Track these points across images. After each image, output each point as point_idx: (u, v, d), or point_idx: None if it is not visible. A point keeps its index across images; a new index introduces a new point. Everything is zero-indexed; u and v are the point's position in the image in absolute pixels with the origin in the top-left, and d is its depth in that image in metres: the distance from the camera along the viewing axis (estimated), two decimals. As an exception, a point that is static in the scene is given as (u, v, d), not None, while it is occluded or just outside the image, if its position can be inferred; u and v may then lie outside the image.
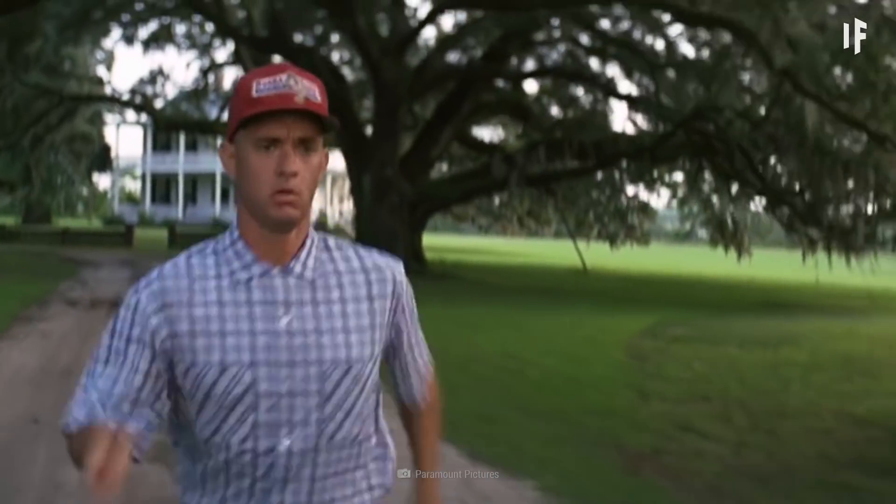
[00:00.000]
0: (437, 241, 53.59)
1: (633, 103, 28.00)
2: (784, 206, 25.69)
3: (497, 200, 43.74)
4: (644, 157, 25.82)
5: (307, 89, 1.93)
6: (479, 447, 7.34)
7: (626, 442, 7.99)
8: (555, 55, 31.49)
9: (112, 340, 2.00)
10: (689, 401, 10.10)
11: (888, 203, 23.56)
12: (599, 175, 35.32)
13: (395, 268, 2.16)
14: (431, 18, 28.04)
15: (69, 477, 5.96)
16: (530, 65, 30.90)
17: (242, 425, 1.97)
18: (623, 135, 28.65)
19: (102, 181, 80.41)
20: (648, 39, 27.68)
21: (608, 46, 26.20)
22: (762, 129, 21.67)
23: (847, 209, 24.39)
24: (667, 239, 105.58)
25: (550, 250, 53.63)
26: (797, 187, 25.22)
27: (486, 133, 43.72)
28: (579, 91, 31.31)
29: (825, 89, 19.43)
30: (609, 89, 27.72)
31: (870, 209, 24.19)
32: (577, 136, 25.99)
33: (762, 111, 23.06)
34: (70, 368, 9.82)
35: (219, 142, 57.68)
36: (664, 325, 17.25)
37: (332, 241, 2.13)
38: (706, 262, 45.67)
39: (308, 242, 2.05)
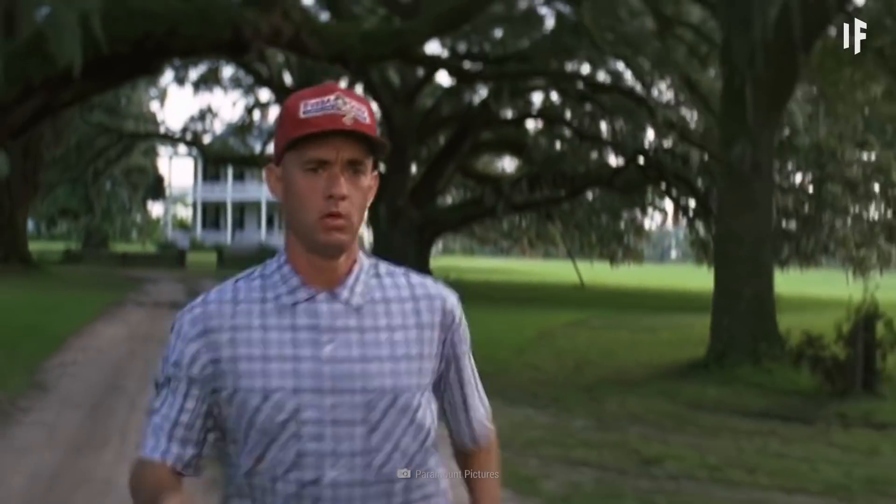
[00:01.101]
0: (467, 264, 58.55)
1: (597, 142, 33.15)
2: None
3: (506, 224, 48.51)
4: (605, 186, 31.18)
5: (356, 110, 1.91)
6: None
7: (480, 370, 13.16)
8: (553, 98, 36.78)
9: (164, 367, 2.01)
10: (549, 357, 15.29)
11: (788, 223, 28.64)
12: (598, 202, 40.69)
13: (447, 298, 2.09)
14: (430, 75, 33.30)
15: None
16: (521, 108, 36.05)
17: (286, 454, 1.91)
18: (593, 168, 33.80)
19: (156, 209, 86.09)
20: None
21: (570, 96, 31.29)
22: (690, 163, 26.78)
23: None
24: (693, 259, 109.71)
25: (561, 269, 58.45)
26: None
27: (504, 164, 48.80)
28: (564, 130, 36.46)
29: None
30: (578, 130, 32.86)
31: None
32: (551, 170, 31.28)
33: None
34: (145, 337, 15.25)
35: (264, 174, 62.63)
36: (589, 319, 22.38)
37: (383, 267, 2.07)
38: (696, 278, 50.16)
39: (357, 268, 2.00)
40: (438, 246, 61.68)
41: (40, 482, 6.62)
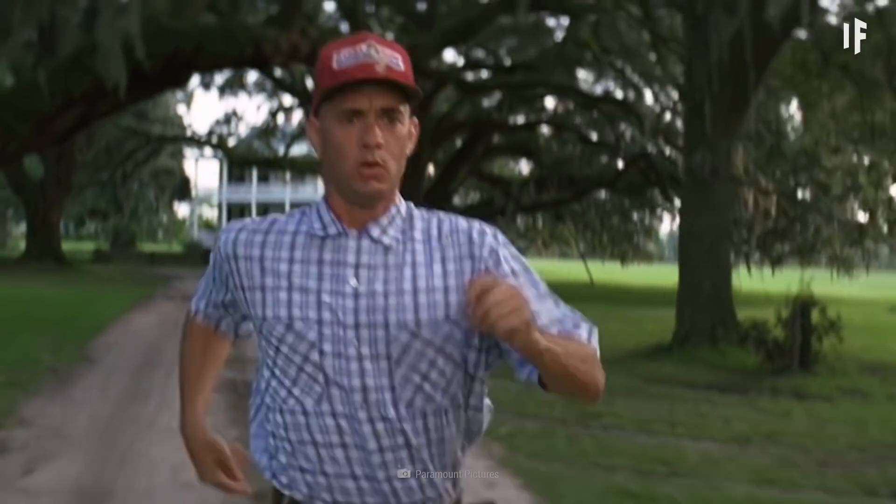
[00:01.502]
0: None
1: (601, 146, 34.85)
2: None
3: (521, 225, 50.03)
4: (608, 188, 33.17)
5: (389, 58, 1.88)
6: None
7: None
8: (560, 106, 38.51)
9: (209, 269, 2.19)
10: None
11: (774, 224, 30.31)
12: (609, 203, 42.42)
13: (479, 229, 2.05)
14: (441, 86, 34.98)
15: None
16: (531, 114, 37.77)
17: (315, 384, 1.94)
18: (596, 171, 35.53)
19: (182, 209, 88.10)
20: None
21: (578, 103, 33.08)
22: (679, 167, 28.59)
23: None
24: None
25: (575, 269, 59.96)
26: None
27: (520, 167, 50.34)
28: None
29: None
30: (583, 136, 34.59)
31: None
32: (559, 173, 33.07)
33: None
34: (175, 323, 17.02)
35: (287, 176, 64.48)
36: (584, 312, 23.96)
37: (419, 211, 2.08)
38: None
39: (392, 210, 2.01)
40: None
41: (99, 423, 8.45)
